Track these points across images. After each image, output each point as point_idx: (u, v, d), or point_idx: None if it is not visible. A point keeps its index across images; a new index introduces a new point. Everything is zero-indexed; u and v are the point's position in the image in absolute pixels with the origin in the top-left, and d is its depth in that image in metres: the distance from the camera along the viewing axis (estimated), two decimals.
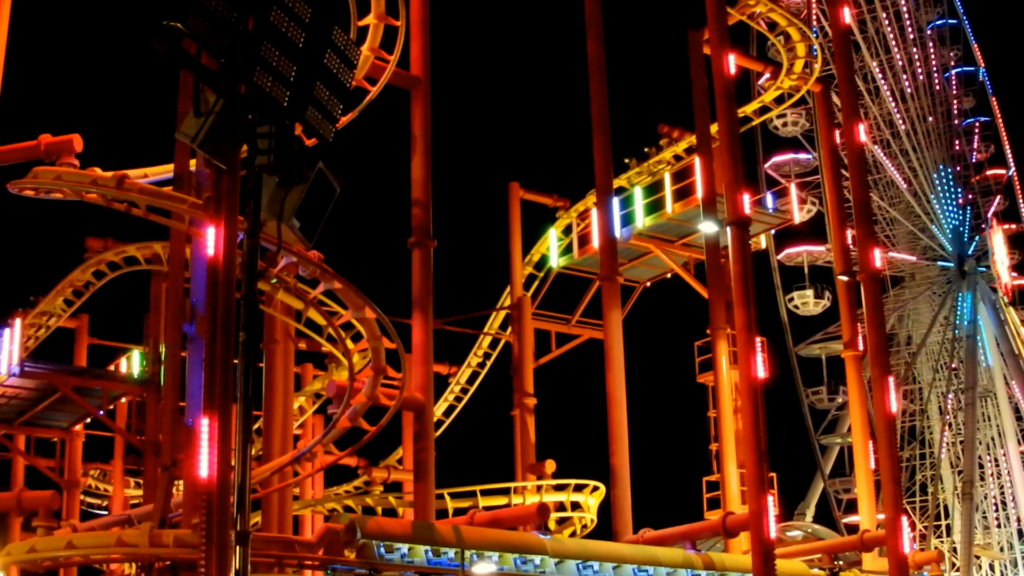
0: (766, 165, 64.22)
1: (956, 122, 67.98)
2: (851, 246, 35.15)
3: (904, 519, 28.14)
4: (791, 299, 63.82)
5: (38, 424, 34.29)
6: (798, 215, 39.52)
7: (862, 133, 33.73)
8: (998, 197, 69.51)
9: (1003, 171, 70.21)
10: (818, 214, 60.03)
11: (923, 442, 67.20)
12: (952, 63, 69.68)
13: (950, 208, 65.15)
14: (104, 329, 39.18)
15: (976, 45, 70.09)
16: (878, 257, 32.12)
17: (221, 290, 14.09)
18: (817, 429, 64.71)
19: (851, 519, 60.32)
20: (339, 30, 13.66)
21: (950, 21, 70.24)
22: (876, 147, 63.77)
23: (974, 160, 69.32)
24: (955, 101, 68.70)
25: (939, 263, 65.41)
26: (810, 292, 63.57)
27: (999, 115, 70.24)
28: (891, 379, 29.97)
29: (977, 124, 70.31)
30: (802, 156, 64.42)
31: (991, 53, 73.10)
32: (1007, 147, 70.16)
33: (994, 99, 70.19)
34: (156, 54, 12.49)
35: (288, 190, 13.04)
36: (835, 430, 64.94)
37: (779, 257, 62.48)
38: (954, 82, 69.50)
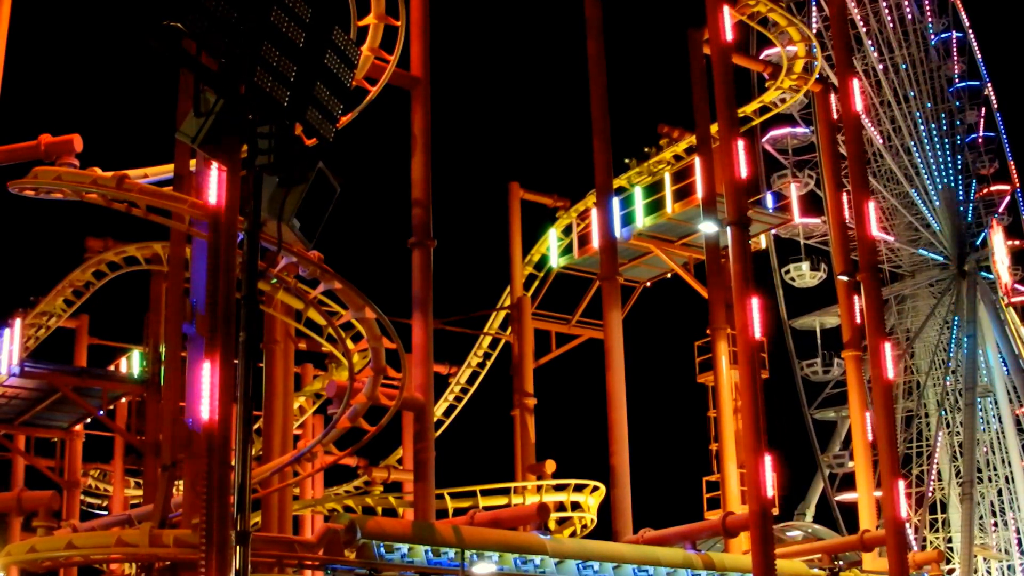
0: (763, 139, 63.84)
1: (959, 132, 68.01)
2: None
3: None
4: (787, 271, 63.66)
5: (38, 424, 34.28)
6: (798, 215, 39.56)
7: (864, 130, 33.69)
8: (1003, 201, 69.44)
9: (1007, 187, 70.15)
10: (816, 184, 60.28)
11: (920, 435, 67.24)
12: (956, 76, 69.65)
13: (951, 208, 65.16)
14: (104, 329, 39.22)
15: (981, 59, 70.10)
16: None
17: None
18: (812, 403, 64.64)
19: (845, 497, 60.37)
20: (339, 30, 13.65)
21: (956, 34, 70.23)
22: (877, 136, 63.56)
23: (976, 168, 69.34)
24: (958, 114, 68.76)
25: (938, 256, 65.37)
26: (806, 264, 63.34)
27: (1004, 131, 70.19)
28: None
29: (981, 140, 70.30)
30: (799, 130, 64.06)
31: (996, 68, 73.15)
32: (1011, 164, 70.18)
33: (999, 114, 70.24)
34: (156, 54, 12.49)
35: (288, 190, 13.03)
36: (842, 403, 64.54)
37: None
38: (958, 92, 69.56)
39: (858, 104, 33.98)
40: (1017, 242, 68.19)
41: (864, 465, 33.19)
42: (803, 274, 63.57)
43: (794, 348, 64.23)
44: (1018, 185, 70.29)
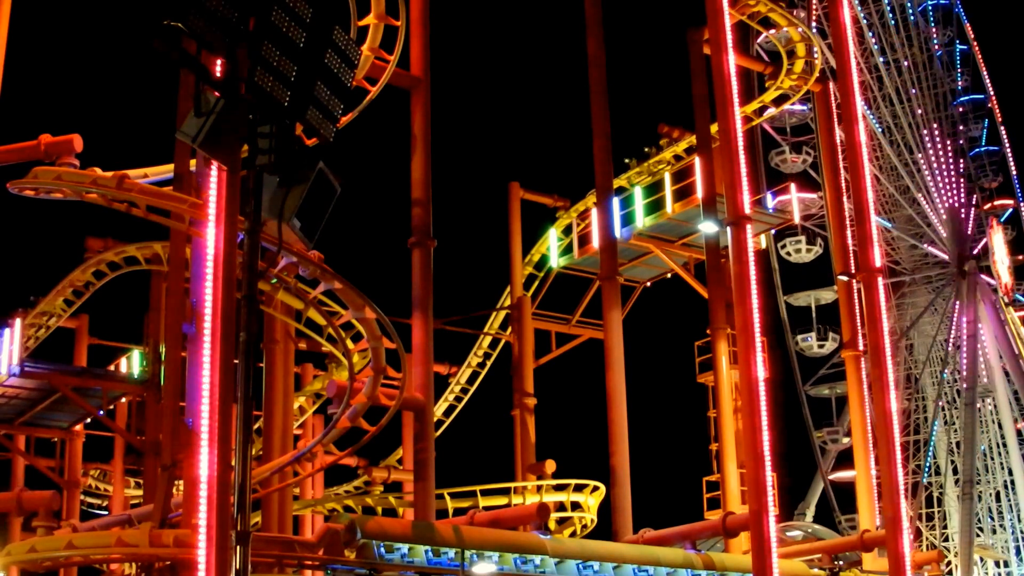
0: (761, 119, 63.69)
1: (961, 137, 67.96)
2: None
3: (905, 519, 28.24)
4: (783, 246, 63.55)
5: (38, 424, 34.32)
6: (798, 215, 39.55)
7: (862, 133, 33.64)
8: (1005, 214, 69.42)
9: (1010, 201, 70.07)
10: (813, 164, 60.32)
11: (917, 429, 67.25)
12: (960, 88, 69.58)
13: (952, 208, 65.11)
14: (104, 329, 39.27)
15: (986, 73, 69.99)
16: (878, 256, 32.08)
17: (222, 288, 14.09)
18: (807, 379, 64.59)
19: (838, 475, 60.44)
20: (340, 30, 13.65)
21: (960, 47, 70.15)
22: (878, 128, 63.37)
23: (980, 179, 69.25)
24: (962, 124, 68.71)
25: (938, 253, 65.31)
26: (802, 239, 63.15)
27: (1008, 144, 70.05)
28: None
29: (985, 154, 70.25)
30: (797, 108, 63.82)
31: (1001, 82, 73.04)
32: (1015, 176, 70.06)
33: (1003, 128, 70.02)
34: (156, 54, 12.49)
35: (288, 190, 13.03)
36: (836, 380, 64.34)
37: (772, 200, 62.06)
38: (961, 106, 69.54)
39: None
40: (1019, 256, 68.06)
41: (864, 465, 33.13)
42: (800, 248, 63.45)
43: (789, 322, 64.34)
44: (1022, 199, 70.26)
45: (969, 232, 65.59)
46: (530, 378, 39.49)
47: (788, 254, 64.01)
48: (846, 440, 59.07)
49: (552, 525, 30.13)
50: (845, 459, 56.64)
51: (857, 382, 33.84)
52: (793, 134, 65.57)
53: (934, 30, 69.20)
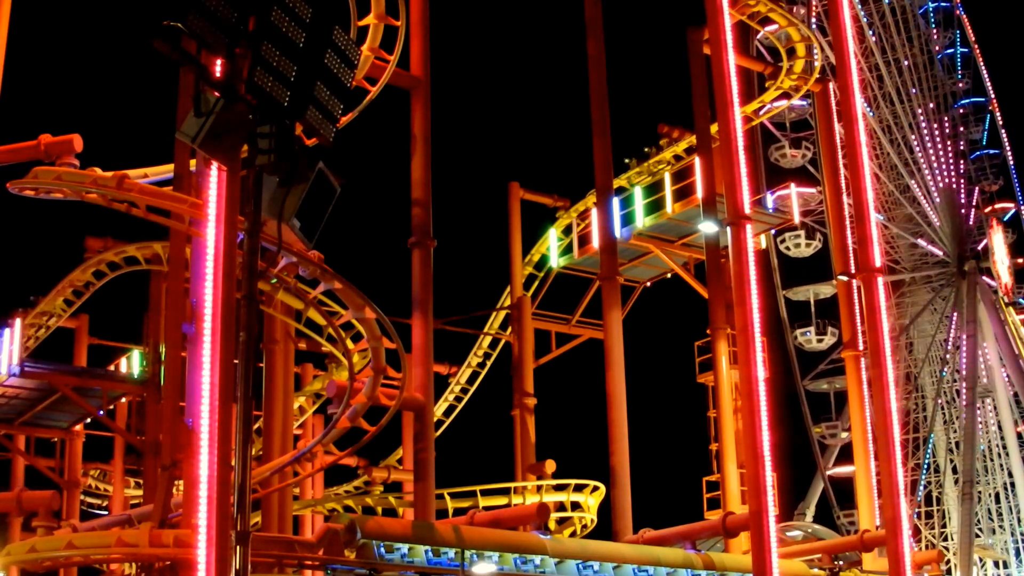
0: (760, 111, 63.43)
1: (962, 138, 67.93)
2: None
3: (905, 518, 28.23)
4: (783, 241, 63.42)
5: (38, 424, 34.31)
6: (798, 215, 39.54)
7: (862, 132, 33.61)
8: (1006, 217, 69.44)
9: (1011, 204, 70.05)
10: (812, 160, 60.45)
11: (916, 427, 67.26)
12: (960, 91, 69.57)
13: (952, 207, 65.08)
14: (104, 329, 39.25)
15: (987, 76, 69.95)
16: (878, 256, 32.06)
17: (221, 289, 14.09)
18: (806, 374, 64.58)
19: (837, 470, 60.44)
20: (339, 30, 13.65)
21: (961, 50, 70.13)
22: (877, 126, 63.26)
23: (979, 180, 69.20)
24: (962, 126, 68.68)
25: (938, 252, 65.27)
26: (802, 233, 63.01)
27: (1009, 147, 69.97)
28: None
29: (986, 157, 70.21)
30: (796, 103, 63.71)
31: (1002, 85, 72.97)
32: (1016, 179, 70.02)
33: (1004, 132, 69.96)
34: (156, 54, 12.49)
35: (288, 190, 13.03)
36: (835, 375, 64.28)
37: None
38: (964, 111, 69.51)
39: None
40: (1020, 260, 67.97)
41: (864, 465, 33.13)
42: (799, 243, 63.37)
43: (788, 317, 64.29)
44: (1022, 202, 70.21)
45: (969, 232, 65.58)
46: (530, 378, 39.50)
47: (787, 249, 64.03)
48: (845, 435, 59.08)
49: (552, 525, 30.15)
50: (845, 454, 56.68)
51: (857, 383, 33.83)
52: (792, 129, 65.52)
53: (935, 32, 69.24)
